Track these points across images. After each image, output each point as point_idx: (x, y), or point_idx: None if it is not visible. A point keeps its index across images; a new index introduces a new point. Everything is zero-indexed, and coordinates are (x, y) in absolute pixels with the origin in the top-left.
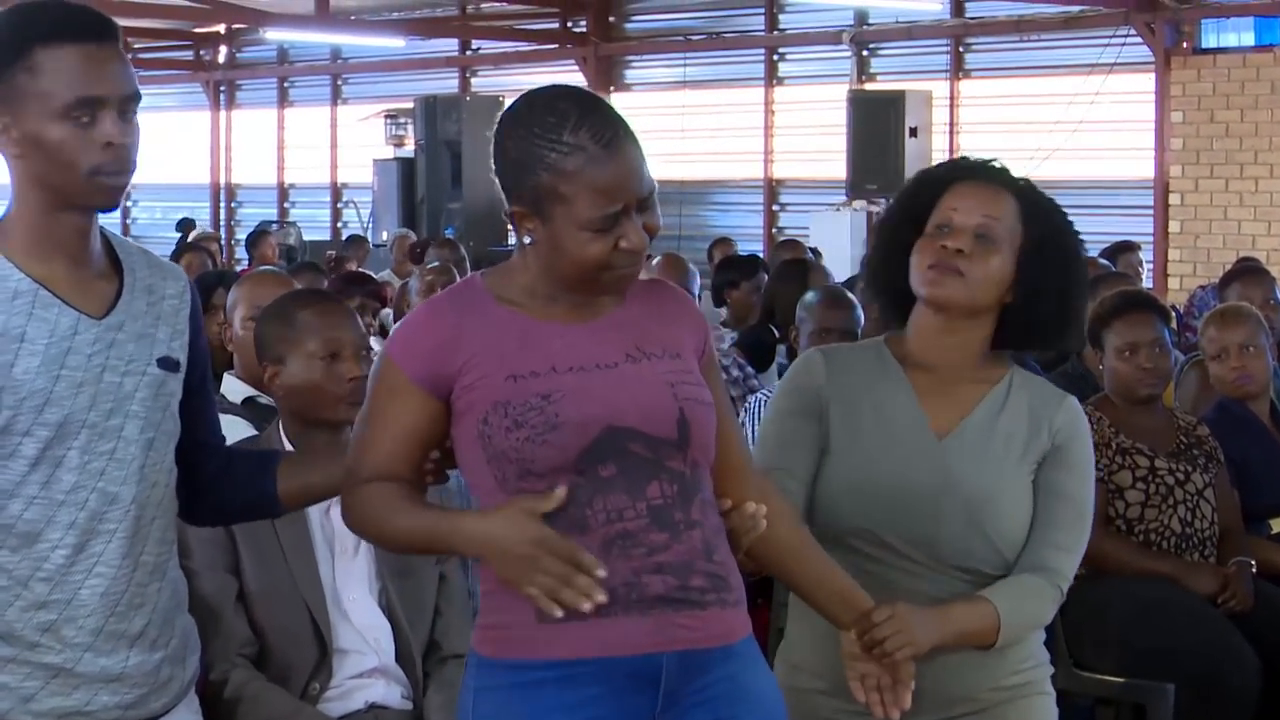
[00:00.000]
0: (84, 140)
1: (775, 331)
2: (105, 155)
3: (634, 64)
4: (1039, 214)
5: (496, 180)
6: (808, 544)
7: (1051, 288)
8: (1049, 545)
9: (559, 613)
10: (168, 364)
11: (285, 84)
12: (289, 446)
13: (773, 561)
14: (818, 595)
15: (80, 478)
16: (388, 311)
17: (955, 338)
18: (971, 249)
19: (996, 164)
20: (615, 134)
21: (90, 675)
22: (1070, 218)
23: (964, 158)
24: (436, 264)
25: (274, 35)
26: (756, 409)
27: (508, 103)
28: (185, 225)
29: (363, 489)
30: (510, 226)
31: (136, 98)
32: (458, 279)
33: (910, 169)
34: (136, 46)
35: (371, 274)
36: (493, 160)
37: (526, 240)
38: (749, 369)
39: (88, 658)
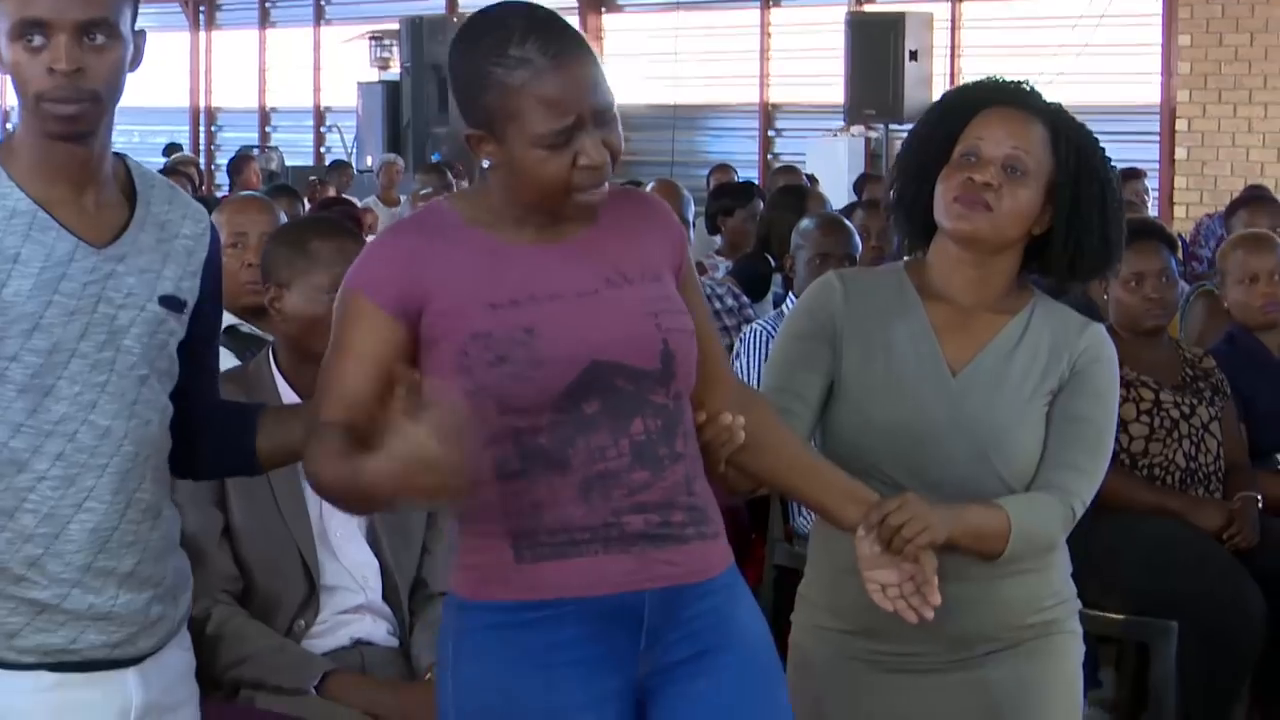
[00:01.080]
0: (33, 64)
1: (771, 260)
2: (50, 81)
3: None
4: (1070, 141)
5: (455, 102)
6: (798, 447)
7: (1093, 218)
8: (1064, 465)
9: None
10: (170, 303)
11: (266, 4)
12: (279, 376)
13: (762, 469)
14: (818, 495)
15: (70, 409)
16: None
17: (979, 271)
18: (999, 181)
19: (1027, 87)
20: (564, 45)
21: (77, 612)
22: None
23: (993, 79)
24: (429, 190)
25: None
26: (751, 339)
27: None
28: (171, 150)
29: (321, 433)
30: (471, 155)
31: (100, 23)
32: None
33: (910, 94)
34: None
35: (352, 199)
36: (449, 83)
37: (485, 164)
38: (744, 298)
39: (75, 594)
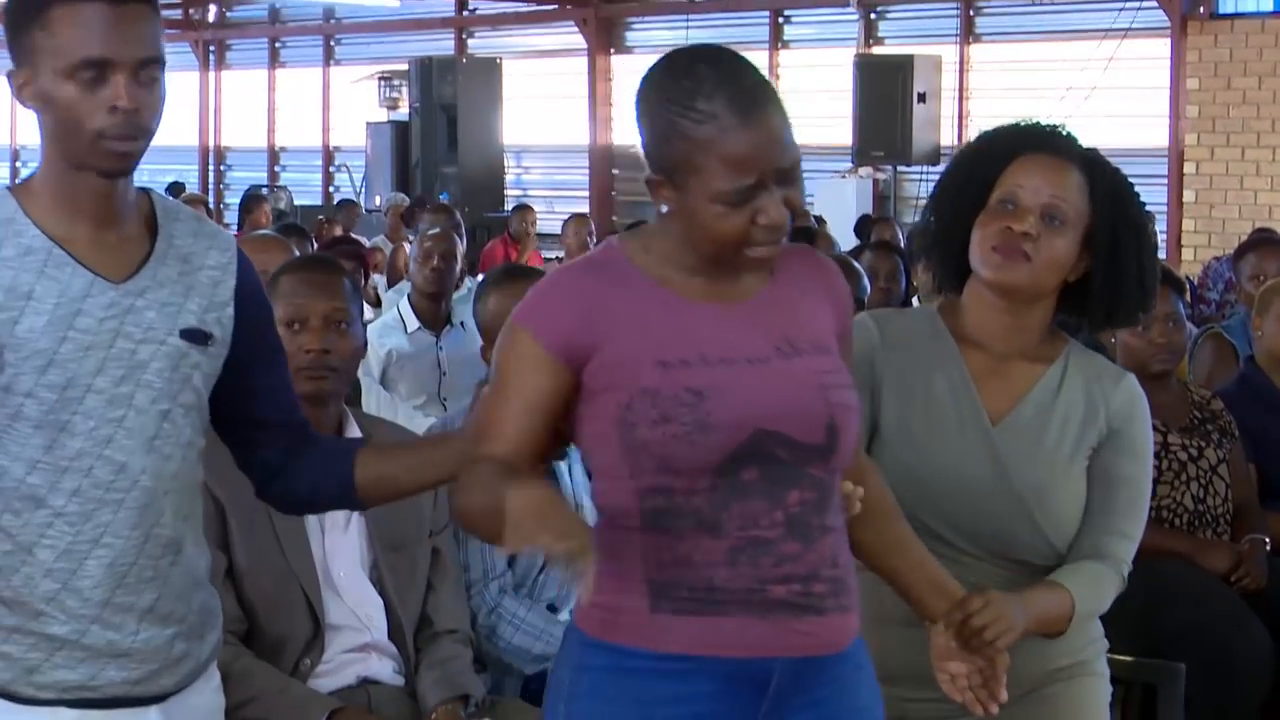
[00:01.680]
0: (90, 102)
1: None
2: (110, 119)
3: (635, 26)
4: (1106, 188)
5: (641, 141)
6: (903, 528)
7: (1130, 265)
8: (1110, 532)
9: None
10: (194, 336)
11: (276, 44)
12: None
13: (866, 546)
14: (911, 583)
15: (86, 444)
16: (379, 278)
17: (1015, 318)
18: (1038, 230)
19: (1063, 131)
20: (753, 100)
21: (97, 649)
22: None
23: (1029, 123)
24: (437, 230)
25: None
26: None
27: (505, 65)
28: (175, 189)
29: (470, 469)
30: (651, 199)
31: (155, 61)
32: (458, 246)
33: (919, 136)
34: None
35: (359, 238)
36: (636, 124)
37: (663, 209)
38: None
39: (94, 630)
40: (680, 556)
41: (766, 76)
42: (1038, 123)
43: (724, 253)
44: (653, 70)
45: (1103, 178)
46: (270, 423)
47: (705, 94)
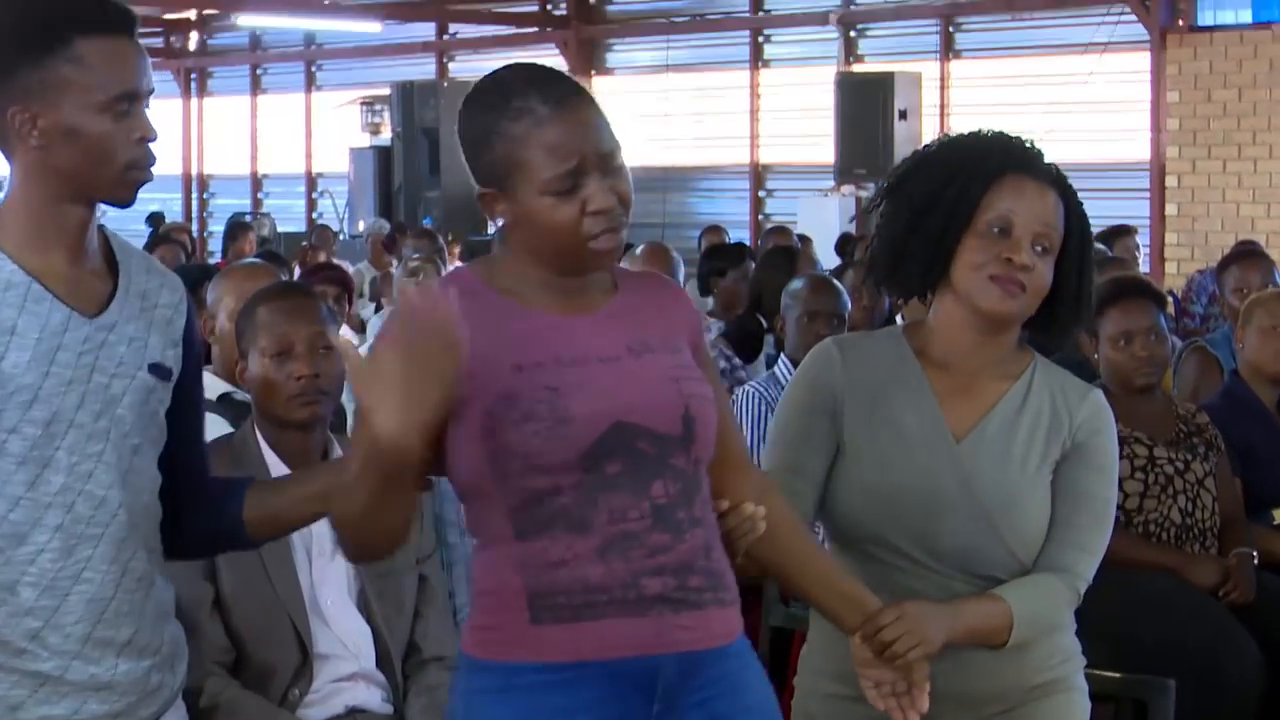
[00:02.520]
0: (123, 134)
1: (763, 321)
2: (139, 150)
3: (615, 47)
4: (1077, 211)
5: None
6: (809, 545)
7: (1074, 284)
8: (1068, 545)
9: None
10: (159, 370)
11: (258, 71)
12: (263, 444)
13: (774, 563)
14: (821, 597)
15: (68, 479)
16: (366, 304)
17: (990, 340)
18: (1032, 261)
19: (1032, 147)
20: (563, 92)
21: (79, 683)
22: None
23: (1012, 138)
24: (419, 254)
25: (246, 21)
26: (744, 401)
27: None
28: (155, 219)
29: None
30: (485, 215)
31: (151, 91)
32: (441, 270)
33: (900, 153)
34: None
35: (343, 264)
36: (463, 151)
37: (498, 222)
38: (735, 360)
39: (76, 665)
40: (553, 560)
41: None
42: (1015, 137)
43: (566, 250)
44: (469, 93)
45: (1074, 201)
46: (188, 464)
47: (518, 93)
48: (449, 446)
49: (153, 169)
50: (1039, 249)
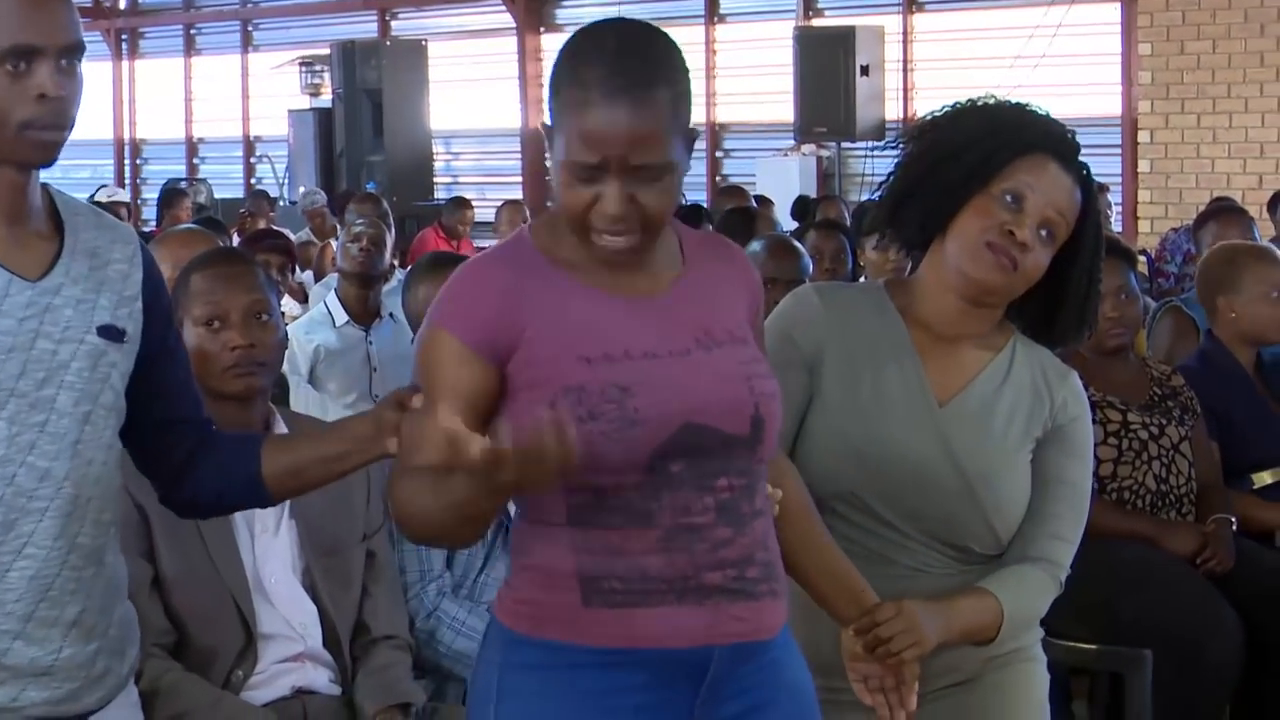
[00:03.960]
0: (16, 91)
1: None
2: (38, 108)
3: (565, 3)
4: (1089, 206)
5: None
6: (819, 531)
7: (1082, 289)
8: (1050, 535)
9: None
10: (110, 333)
11: (191, 31)
12: None
13: (782, 546)
14: (823, 586)
15: (8, 450)
16: (308, 274)
17: (973, 312)
18: (1032, 243)
19: (1071, 137)
20: (625, 84)
21: (19, 667)
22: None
23: (1056, 127)
24: (364, 221)
25: None
26: None
27: (431, 47)
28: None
29: (407, 476)
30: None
31: (78, 48)
32: (386, 234)
33: (863, 110)
34: None
35: (285, 231)
36: None
37: (547, 162)
38: None
39: (17, 646)
40: (612, 546)
41: (676, 72)
42: (1060, 123)
43: (574, 227)
44: (582, 29)
45: (1094, 204)
46: (176, 423)
47: (590, 61)
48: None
49: (64, 129)
50: (1044, 233)
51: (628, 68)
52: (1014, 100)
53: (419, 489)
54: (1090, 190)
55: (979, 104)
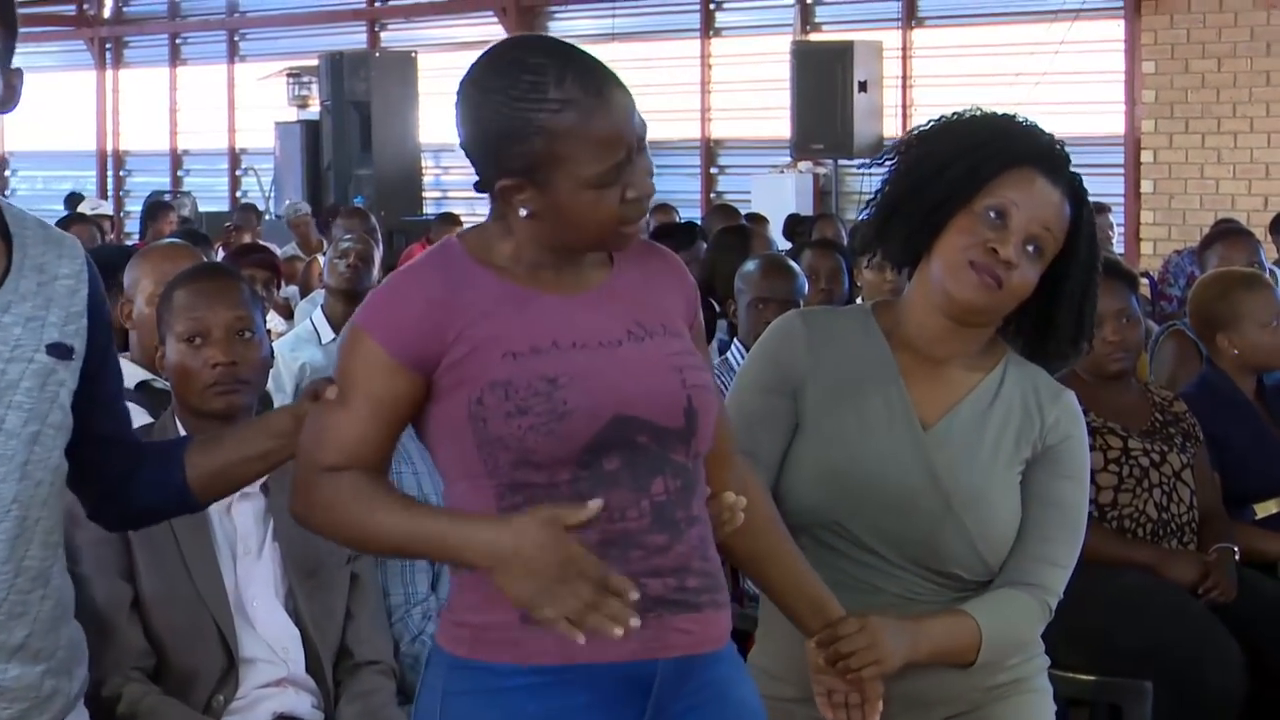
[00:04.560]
0: None
1: (715, 305)
2: None
3: (557, 15)
4: (1086, 228)
5: (470, 148)
6: (784, 541)
7: (1076, 306)
8: (1039, 559)
9: (582, 639)
10: (58, 350)
11: (177, 40)
12: (182, 433)
13: (745, 556)
14: (788, 598)
15: None
16: (293, 289)
17: (960, 332)
18: (1018, 260)
19: (1060, 149)
20: (602, 77)
21: None
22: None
23: (1043, 138)
24: (352, 236)
25: None
26: None
27: (421, 59)
28: (73, 200)
29: (329, 477)
30: (493, 201)
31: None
32: (374, 250)
33: (860, 127)
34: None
35: (271, 246)
36: (462, 127)
37: (523, 213)
38: None
39: None
40: None
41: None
42: (1048, 134)
43: (598, 237)
44: (481, 73)
45: (1086, 216)
46: (110, 439)
47: (554, 81)
48: (430, 425)
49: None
50: (1030, 249)
51: (585, 63)
52: (1000, 112)
53: (368, 497)
54: (1081, 202)
55: (964, 117)
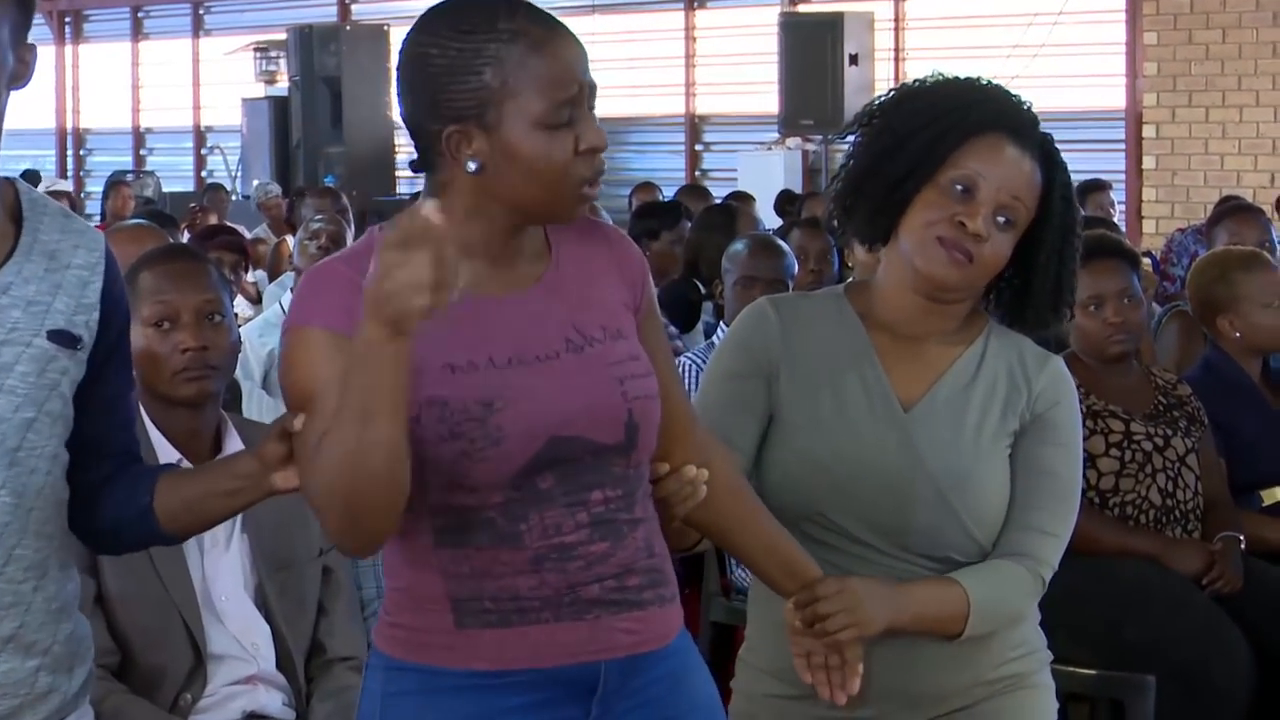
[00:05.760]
0: None
1: (700, 286)
2: None
3: None
4: (1060, 190)
5: (413, 109)
6: (752, 508)
7: (1053, 273)
8: (1030, 528)
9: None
10: (62, 338)
11: (139, 14)
12: (149, 423)
13: (714, 527)
14: (762, 562)
15: None
16: (261, 273)
17: (935, 309)
18: (988, 232)
19: (1026, 107)
20: (551, 18)
21: None
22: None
23: (1009, 102)
24: (322, 217)
25: None
26: (680, 374)
27: (393, 32)
28: (30, 178)
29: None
30: (440, 156)
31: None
32: (346, 231)
33: (851, 101)
34: None
35: (238, 228)
36: (404, 86)
37: (471, 168)
38: (671, 329)
39: None
40: (479, 569)
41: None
42: (1014, 96)
43: (553, 194)
44: (422, 23)
45: (1059, 178)
46: (104, 443)
47: (504, 14)
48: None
49: None
50: (1001, 220)
51: (532, 3)
52: (963, 76)
53: (317, 456)
54: (1054, 164)
55: (925, 85)
